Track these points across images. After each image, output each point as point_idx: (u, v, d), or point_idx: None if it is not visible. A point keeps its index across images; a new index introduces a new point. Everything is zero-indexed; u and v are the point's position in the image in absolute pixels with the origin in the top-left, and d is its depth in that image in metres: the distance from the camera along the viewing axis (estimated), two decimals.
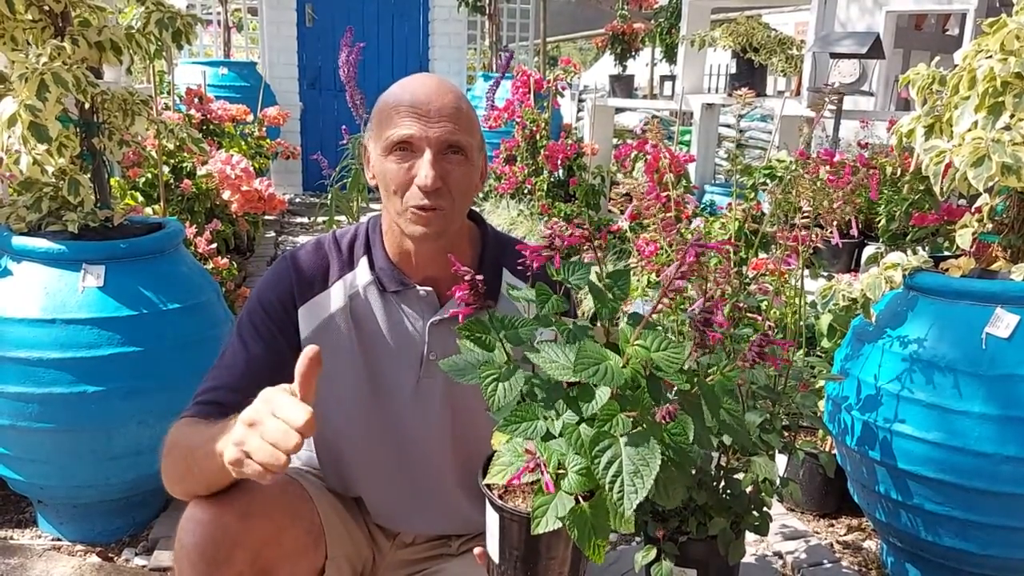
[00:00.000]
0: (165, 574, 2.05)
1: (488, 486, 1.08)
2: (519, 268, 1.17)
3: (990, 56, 1.77)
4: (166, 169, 3.93)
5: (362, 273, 1.42)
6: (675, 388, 1.07)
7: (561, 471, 0.99)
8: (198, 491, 1.26)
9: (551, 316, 1.10)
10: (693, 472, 1.28)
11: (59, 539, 2.20)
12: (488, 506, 1.09)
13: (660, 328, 1.11)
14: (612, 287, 1.12)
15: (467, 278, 1.07)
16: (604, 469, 0.95)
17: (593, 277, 1.14)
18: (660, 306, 1.06)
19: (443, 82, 1.36)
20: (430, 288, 1.41)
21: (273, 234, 5.57)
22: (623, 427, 0.98)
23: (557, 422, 1.02)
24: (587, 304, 2.72)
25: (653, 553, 1.64)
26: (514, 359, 1.08)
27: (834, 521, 2.44)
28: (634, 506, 0.94)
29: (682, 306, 1.90)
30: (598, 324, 1.14)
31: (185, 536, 1.22)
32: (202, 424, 1.27)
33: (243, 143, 5.40)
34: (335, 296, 1.41)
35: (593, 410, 0.99)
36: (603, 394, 1.00)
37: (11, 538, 2.21)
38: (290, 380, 1.42)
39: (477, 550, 1.19)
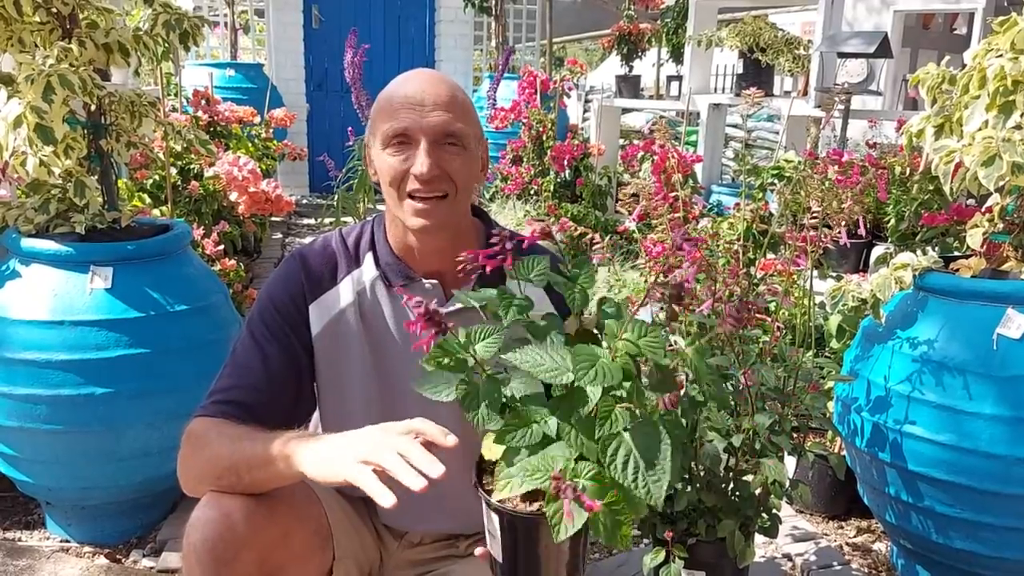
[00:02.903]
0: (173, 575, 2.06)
1: (485, 489, 1.08)
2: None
3: (1000, 55, 1.76)
4: (173, 171, 3.93)
5: (368, 269, 1.43)
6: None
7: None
8: (222, 484, 1.25)
9: (521, 318, 1.10)
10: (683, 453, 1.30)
11: (67, 540, 2.20)
12: (486, 508, 1.08)
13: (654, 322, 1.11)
14: (577, 277, 1.14)
15: (419, 310, 1.06)
16: (623, 469, 0.95)
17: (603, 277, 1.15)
18: (655, 298, 1.06)
19: (437, 74, 1.38)
20: (435, 281, 1.41)
21: (280, 235, 5.57)
22: (624, 421, 0.98)
23: (551, 422, 1.02)
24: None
25: (662, 555, 1.63)
26: (489, 368, 1.08)
27: (843, 523, 2.42)
28: (663, 494, 0.94)
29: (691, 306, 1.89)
30: (570, 317, 1.15)
31: (194, 534, 1.23)
32: (233, 426, 1.28)
33: (250, 145, 5.41)
34: (343, 293, 1.42)
35: (588, 410, 1.00)
36: (595, 392, 1.00)
37: (19, 539, 2.22)
38: (305, 377, 1.43)
39: (479, 550, 1.19)
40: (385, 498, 1.03)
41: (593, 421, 1.00)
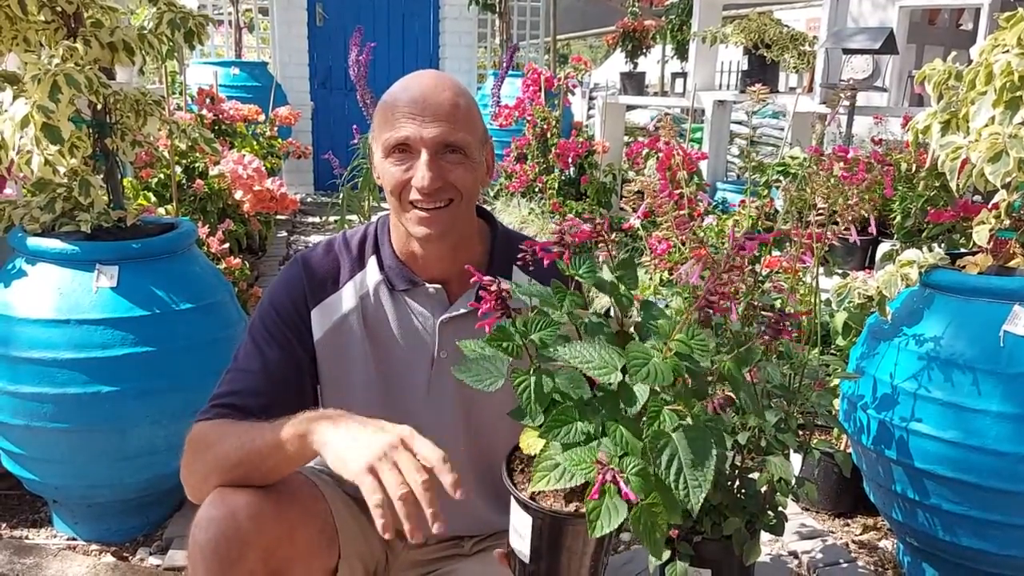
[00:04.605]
0: (179, 573, 2.06)
1: (516, 486, 1.07)
2: (528, 264, 1.16)
3: (1007, 51, 1.75)
4: (178, 169, 3.94)
5: (372, 272, 1.42)
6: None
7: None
8: (234, 477, 1.26)
9: (572, 312, 1.09)
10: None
11: (74, 539, 2.21)
12: (516, 507, 1.07)
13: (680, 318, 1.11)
14: (622, 278, 1.12)
15: (492, 288, 1.06)
16: (667, 468, 0.95)
17: (606, 271, 1.14)
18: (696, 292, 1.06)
19: (441, 79, 1.35)
20: (439, 285, 1.41)
21: (285, 234, 5.58)
22: (672, 422, 0.98)
23: (595, 421, 1.02)
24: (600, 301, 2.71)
25: (667, 553, 1.63)
26: (535, 362, 1.07)
27: (850, 521, 2.42)
28: (700, 500, 0.94)
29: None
30: (612, 317, 1.14)
31: (199, 533, 1.23)
32: (234, 423, 1.29)
33: (255, 143, 5.41)
34: (346, 297, 1.41)
35: (636, 409, 0.99)
36: (642, 391, 0.99)
37: (26, 538, 2.22)
38: (308, 381, 1.42)
39: (497, 552, 1.18)
40: (383, 527, 1.05)
41: (639, 421, 1.00)
